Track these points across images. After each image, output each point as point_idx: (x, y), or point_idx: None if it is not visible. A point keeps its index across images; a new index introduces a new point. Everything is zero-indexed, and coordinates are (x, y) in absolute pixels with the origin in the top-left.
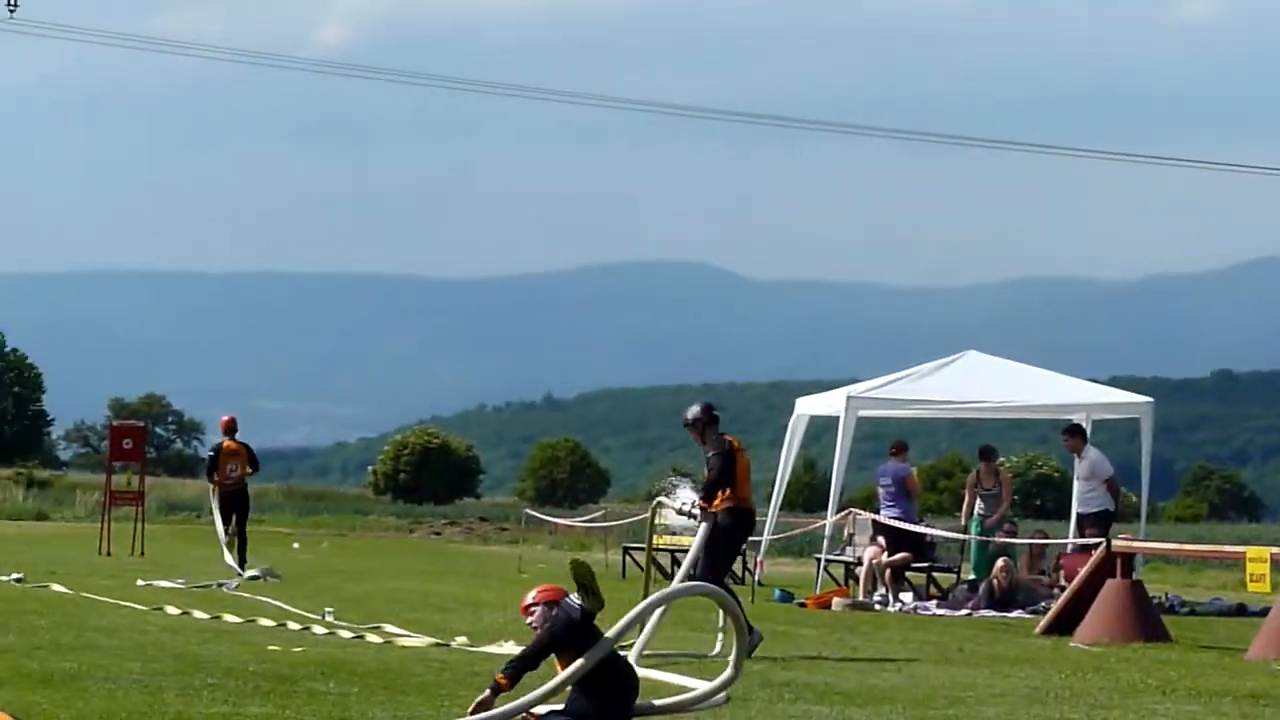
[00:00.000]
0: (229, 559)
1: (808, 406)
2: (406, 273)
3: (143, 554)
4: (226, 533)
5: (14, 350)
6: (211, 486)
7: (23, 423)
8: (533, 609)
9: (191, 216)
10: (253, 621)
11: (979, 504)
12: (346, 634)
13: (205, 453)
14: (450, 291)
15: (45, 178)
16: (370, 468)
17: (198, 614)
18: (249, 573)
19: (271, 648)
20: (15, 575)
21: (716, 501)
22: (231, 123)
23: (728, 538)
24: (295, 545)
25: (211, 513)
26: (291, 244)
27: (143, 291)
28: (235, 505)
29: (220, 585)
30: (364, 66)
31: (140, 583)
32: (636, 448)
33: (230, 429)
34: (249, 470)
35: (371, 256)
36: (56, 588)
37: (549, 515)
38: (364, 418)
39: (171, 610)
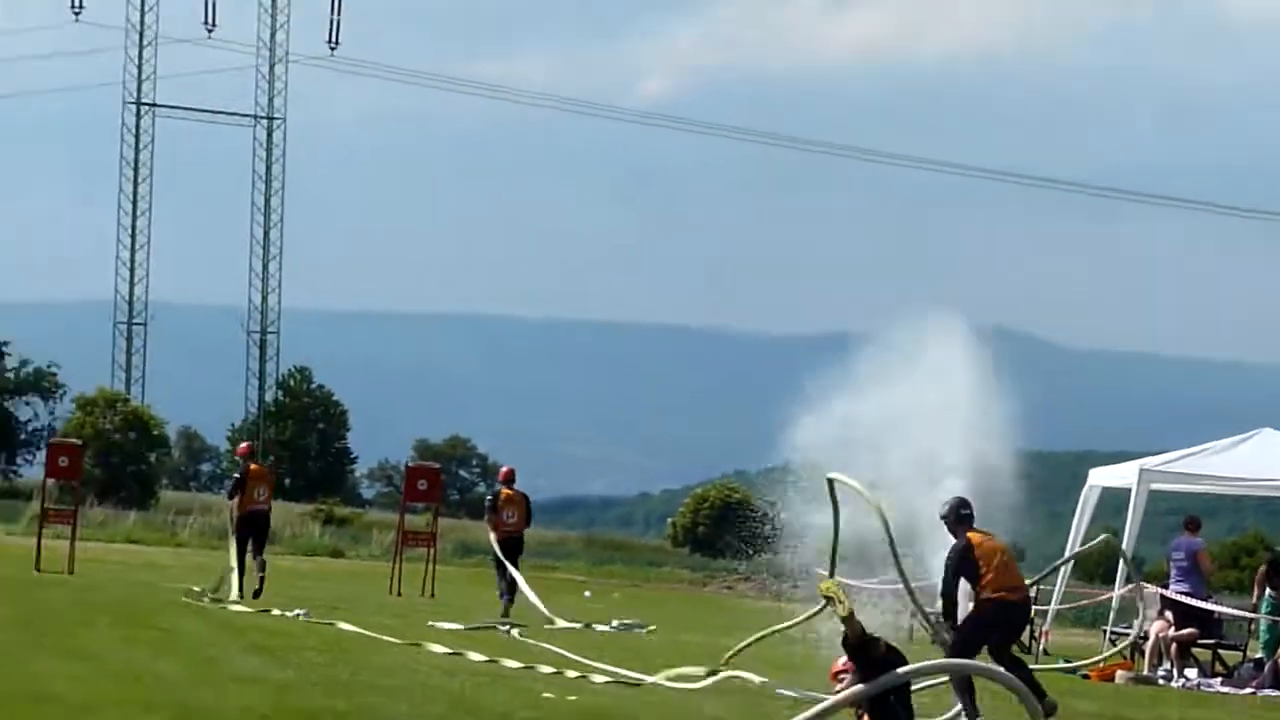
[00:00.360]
0: (537, 604)
1: (1101, 478)
2: (717, 324)
3: (433, 595)
4: (503, 579)
5: (320, 387)
6: (491, 533)
7: (326, 459)
8: (842, 676)
9: (508, 260)
10: (531, 668)
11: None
12: (600, 679)
13: (486, 497)
14: (758, 346)
15: (364, 216)
16: (669, 519)
17: (475, 656)
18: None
19: (546, 695)
20: (300, 611)
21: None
22: (551, 168)
23: (978, 630)
24: (587, 594)
25: (494, 556)
26: (604, 292)
27: (457, 333)
28: (511, 553)
29: (506, 628)
30: (687, 120)
31: (431, 624)
32: None
33: (509, 479)
34: (524, 522)
35: (682, 308)
36: (342, 625)
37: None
38: (668, 469)
39: (451, 653)
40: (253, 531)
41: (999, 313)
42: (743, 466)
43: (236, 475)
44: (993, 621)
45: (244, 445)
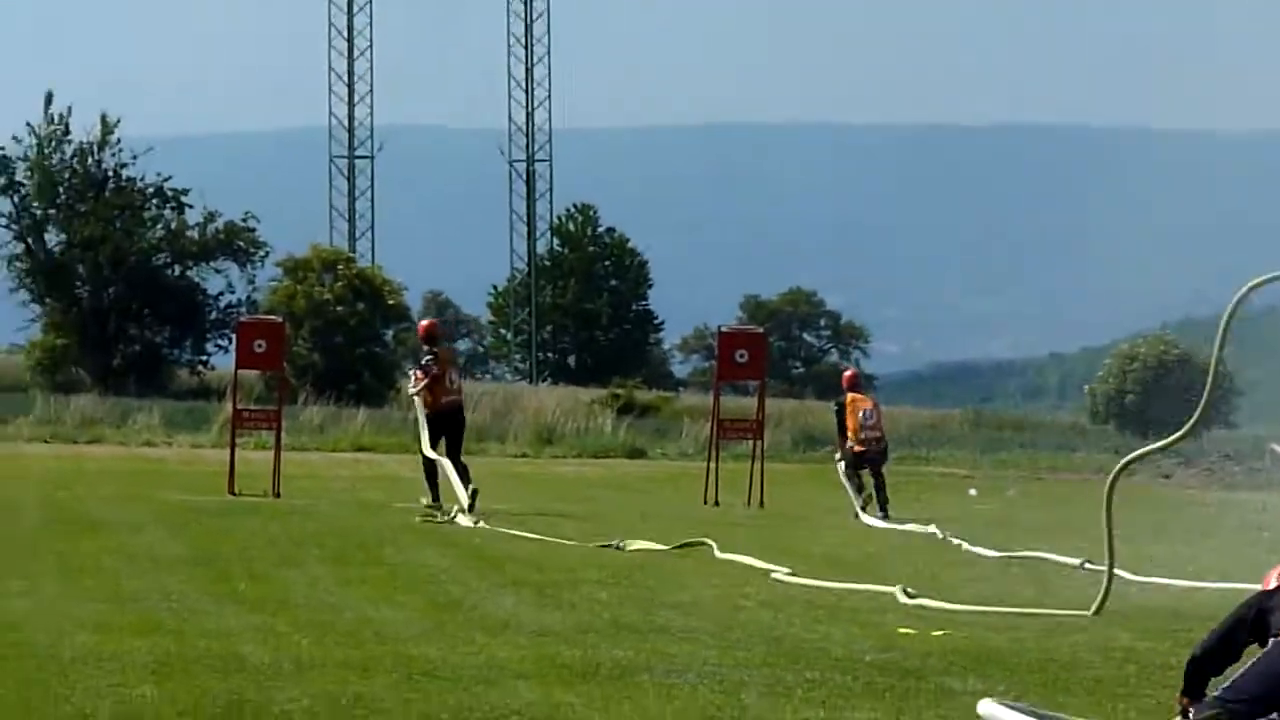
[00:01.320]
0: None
1: None
2: (1137, 121)
3: (761, 504)
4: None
5: (610, 230)
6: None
7: (622, 327)
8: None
9: (836, 62)
10: (886, 595)
11: None
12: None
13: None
14: (1211, 147)
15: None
16: (1087, 387)
17: (810, 582)
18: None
19: (903, 631)
20: (616, 541)
21: None
22: None
23: None
24: (972, 492)
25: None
26: (970, 89)
27: (781, 148)
28: (455, 429)
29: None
30: None
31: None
32: None
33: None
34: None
35: (1084, 102)
36: (639, 545)
37: None
38: (1085, 321)
39: (780, 577)
40: (449, 430)
41: None
42: (1192, 312)
43: (428, 359)
44: None
45: (425, 323)
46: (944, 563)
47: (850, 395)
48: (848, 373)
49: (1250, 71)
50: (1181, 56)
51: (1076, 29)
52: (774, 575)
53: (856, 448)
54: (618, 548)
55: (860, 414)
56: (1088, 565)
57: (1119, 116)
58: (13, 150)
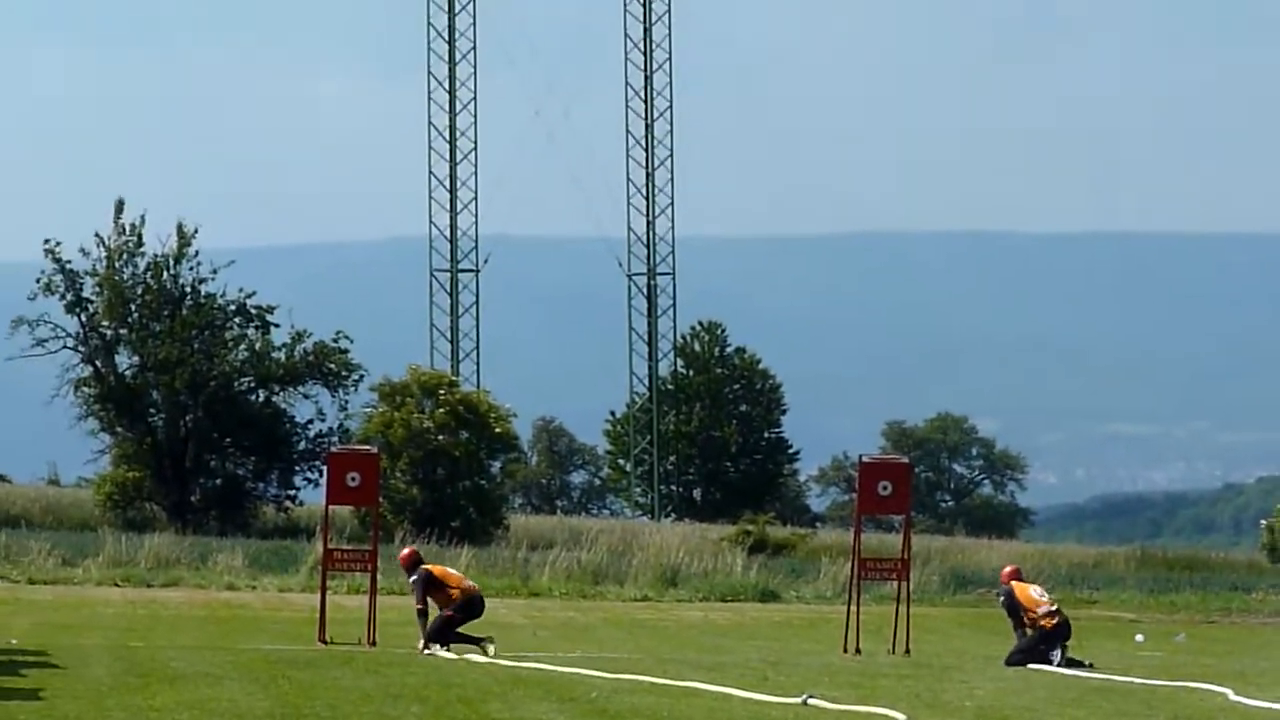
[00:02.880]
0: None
1: None
2: None
3: (908, 651)
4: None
5: (741, 351)
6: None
7: (753, 457)
8: None
9: (989, 167)
10: None
11: None
12: None
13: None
14: None
15: (770, 108)
16: (1265, 522)
17: None
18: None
19: None
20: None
21: None
22: None
23: None
24: (1139, 638)
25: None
26: (1137, 194)
27: (928, 256)
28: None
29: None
30: None
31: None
32: None
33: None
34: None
35: (1263, 210)
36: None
37: None
38: (1270, 446)
39: None
40: (468, 616)
41: None
42: None
43: (414, 580)
44: None
45: (405, 552)
46: (1112, 712)
47: (1014, 584)
48: (1007, 570)
49: None
50: None
51: (1254, 132)
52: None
53: (1044, 622)
54: (805, 703)
55: (1033, 592)
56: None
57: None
58: (80, 264)
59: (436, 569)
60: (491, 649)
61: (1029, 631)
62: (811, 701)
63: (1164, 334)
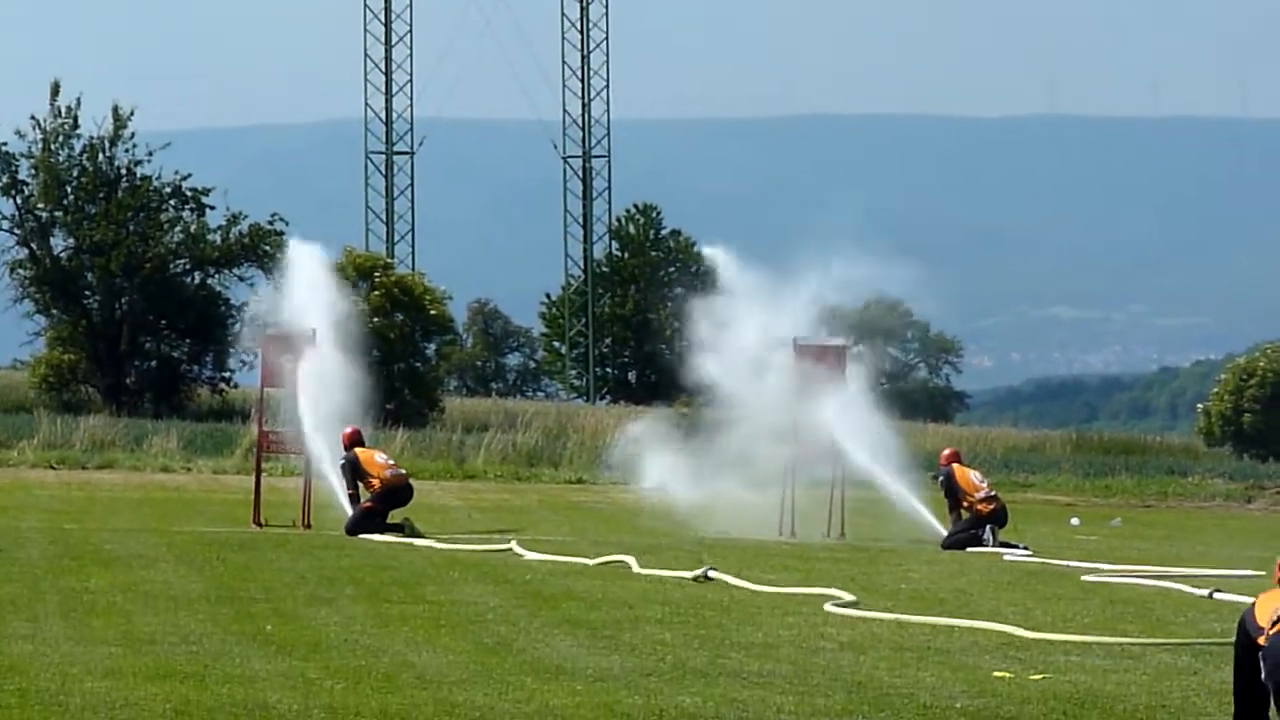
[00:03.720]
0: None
1: None
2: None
3: (842, 535)
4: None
5: (676, 233)
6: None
7: (688, 340)
8: None
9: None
10: (975, 637)
11: None
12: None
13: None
14: None
15: None
16: (1200, 405)
17: (900, 618)
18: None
19: (999, 675)
20: (703, 570)
21: None
22: None
23: None
24: (1074, 521)
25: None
26: (1066, 80)
27: (841, 142)
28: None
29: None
30: None
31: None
32: None
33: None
34: None
35: (1190, 91)
36: (713, 576)
37: None
38: (1206, 330)
39: (858, 612)
40: (393, 505)
41: None
42: None
43: (343, 462)
44: None
45: (347, 430)
46: (1048, 595)
47: (954, 466)
48: (946, 452)
49: None
50: None
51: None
52: (828, 606)
53: (980, 507)
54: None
55: (972, 476)
56: (1216, 595)
57: (1263, 108)
58: (15, 146)
59: (363, 454)
60: (413, 529)
61: (965, 515)
62: (712, 574)
63: (1102, 219)
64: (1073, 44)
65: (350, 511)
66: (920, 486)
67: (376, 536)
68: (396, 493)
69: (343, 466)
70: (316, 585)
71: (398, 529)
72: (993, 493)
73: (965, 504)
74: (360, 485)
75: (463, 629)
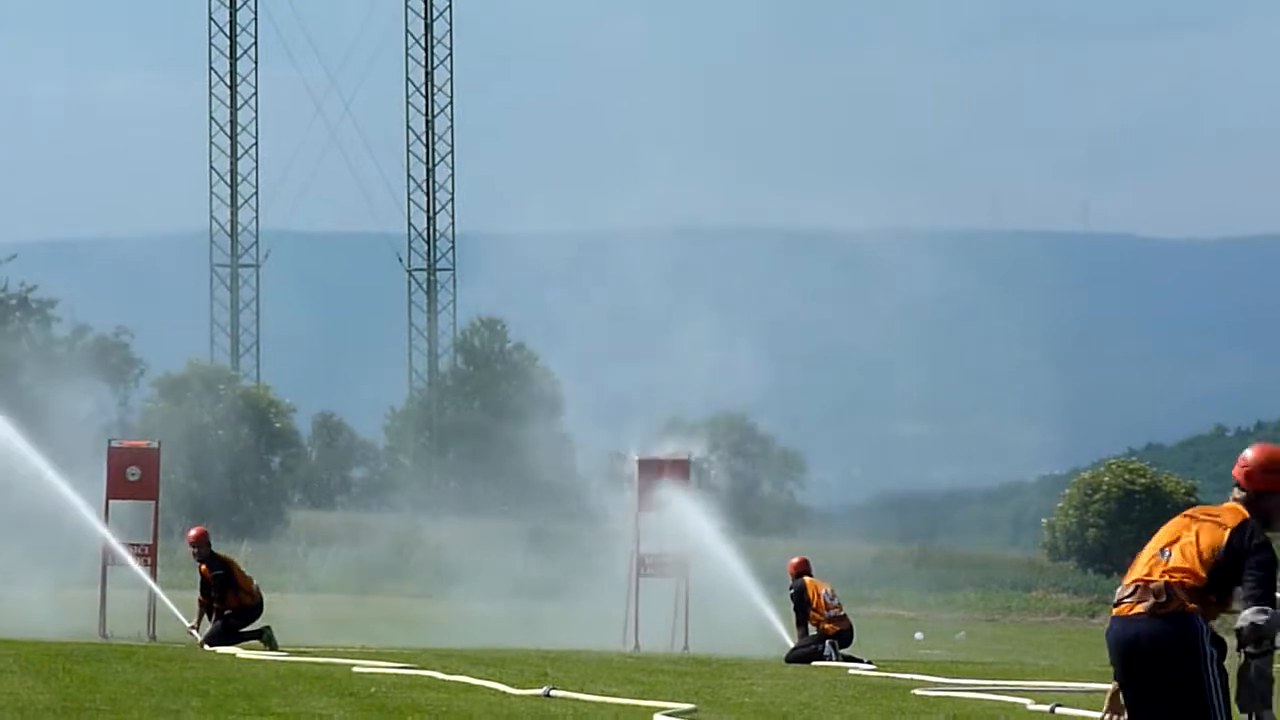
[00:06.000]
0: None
1: None
2: (1120, 231)
3: (685, 648)
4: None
5: (520, 347)
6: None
7: (533, 453)
8: None
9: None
10: None
11: None
12: None
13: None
14: (1172, 254)
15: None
16: (1045, 520)
17: None
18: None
19: None
20: (546, 688)
21: None
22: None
23: None
24: (919, 636)
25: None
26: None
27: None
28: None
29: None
30: None
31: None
32: None
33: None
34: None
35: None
36: (565, 695)
37: None
38: (1052, 447)
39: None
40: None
41: None
42: (1156, 439)
43: (217, 574)
44: None
45: (195, 531)
46: (892, 709)
47: (806, 579)
48: (795, 560)
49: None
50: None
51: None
52: (658, 717)
53: (827, 626)
54: (547, 695)
55: (823, 594)
56: (1059, 709)
57: (1102, 223)
58: None
59: (236, 567)
60: (271, 638)
61: (811, 630)
62: (554, 693)
63: (942, 334)
64: (920, 159)
65: (191, 622)
66: (768, 600)
67: (223, 649)
68: (257, 610)
69: (216, 576)
70: (162, 697)
71: (257, 635)
72: (841, 612)
73: (813, 620)
74: (224, 596)
75: None
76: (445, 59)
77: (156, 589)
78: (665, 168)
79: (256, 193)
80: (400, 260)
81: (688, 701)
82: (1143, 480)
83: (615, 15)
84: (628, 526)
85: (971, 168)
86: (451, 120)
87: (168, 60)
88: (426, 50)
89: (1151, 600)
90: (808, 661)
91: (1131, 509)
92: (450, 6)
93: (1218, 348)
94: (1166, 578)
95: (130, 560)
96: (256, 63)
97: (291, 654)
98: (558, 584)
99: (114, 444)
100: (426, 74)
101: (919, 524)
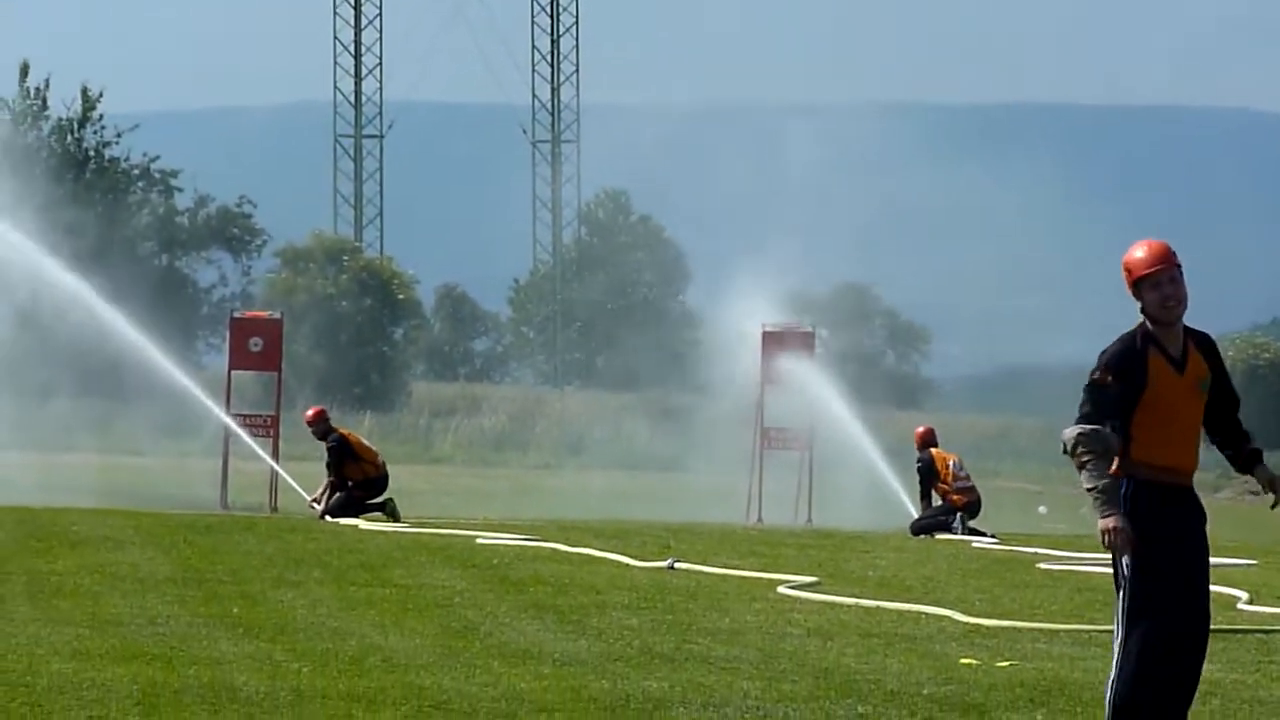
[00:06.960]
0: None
1: None
2: (1238, 105)
3: (809, 519)
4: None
5: (646, 218)
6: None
7: (657, 326)
8: None
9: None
10: (944, 622)
11: None
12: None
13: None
14: None
15: None
16: None
17: (878, 605)
18: None
19: (966, 661)
20: (670, 560)
21: None
22: None
23: None
24: (1042, 509)
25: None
26: (1033, 68)
27: (838, 124)
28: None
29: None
30: None
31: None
32: None
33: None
34: None
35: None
36: (688, 567)
37: None
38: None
39: (821, 599)
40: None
41: None
42: None
43: (331, 446)
44: None
45: (313, 411)
46: (1015, 583)
47: (933, 450)
48: (921, 430)
49: None
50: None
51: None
52: (782, 589)
53: (955, 497)
54: (671, 567)
55: (950, 465)
56: None
57: (1218, 97)
58: None
59: (353, 437)
60: (394, 510)
61: (938, 501)
62: (678, 565)
63: (1075, 207)
64: (1040, 34)
65: (312, 495)
66: (894, 472)
67: (345, 520)
68: (382, 482)
69: (331, 449)
70: (284, 568)
71: (380, 507)
72: (970, 483)
73: (940, 490)
74: (345, 469)
75: (429, 613)
76: None
77: (274, 464)
78: (793, 41)
79: (381, 63)
80: (524, 132)
81: (811, 574)
82: (1267, 355)
83: None
84: (751, 399)
85: (1090, 46)
86: None
87: None
88: None
89: None
90: (932, 532)
91: (1256, 383)
92: None
93: None
94: None
95: (246, 437)
96: None
97: (413, 525)
98: (680, 457)
99: (236, 315)
100: None
101: (1045, 397)
